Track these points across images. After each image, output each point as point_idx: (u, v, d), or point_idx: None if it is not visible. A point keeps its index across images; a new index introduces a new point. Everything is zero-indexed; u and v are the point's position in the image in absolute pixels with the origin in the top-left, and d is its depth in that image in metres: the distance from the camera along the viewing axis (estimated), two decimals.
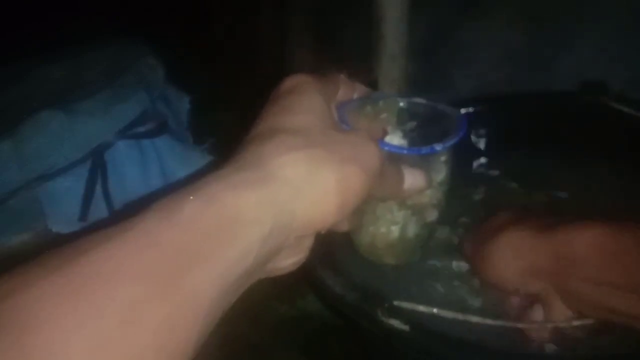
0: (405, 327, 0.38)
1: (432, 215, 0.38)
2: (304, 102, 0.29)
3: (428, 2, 0.69)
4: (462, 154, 0.36)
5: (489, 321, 0.40)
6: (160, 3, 0.96)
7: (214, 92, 0.87)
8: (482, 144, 0.58)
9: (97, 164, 0.64)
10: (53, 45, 0.78)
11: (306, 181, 0.26)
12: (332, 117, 0.31)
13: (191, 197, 0.23)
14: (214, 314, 0.23)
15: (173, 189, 0.24)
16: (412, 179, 0.33)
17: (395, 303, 0.39)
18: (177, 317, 0.21)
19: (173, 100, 0.77)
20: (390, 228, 0.37)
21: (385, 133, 0.35)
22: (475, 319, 0.40)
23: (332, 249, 0.44)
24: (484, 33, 0.69)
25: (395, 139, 0.36)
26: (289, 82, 0.31)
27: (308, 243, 0.29)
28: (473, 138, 0.58)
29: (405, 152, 0.33)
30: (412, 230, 0.38)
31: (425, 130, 0.36)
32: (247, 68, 0.92)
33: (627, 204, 0.50)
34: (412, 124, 0.37)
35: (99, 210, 0.64)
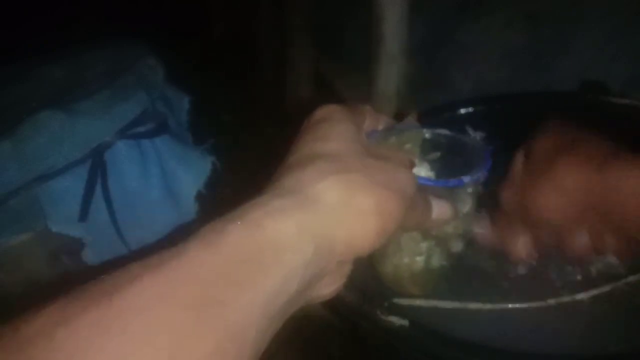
0: (405, 324, 0.38)
1: (457, 246, 0.38)
2: (338, 130, 0.30)
3: (428, 2, 0.69)
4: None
5: (488, 306, 0.40)
6: (161, 3, 0.96)
7: (214, 93, 0.87)
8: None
9: (97, 164, 0.64)
10: (53, 45, 0.78)
11: (345, 205, 0.26)
12: (364, 144, 0.31)
13: (238, 222, 0.23)
14: (260, 343, 0.23)
15: (169, 237, 0.24)
16: (439, 209, 0.33)
17: (395, 301, 0.39)
18: (226, 347, 0.21)
19: (173, 100, 0.77)
20: (415, 259, 0.37)
21: (412, 164, 0.35)
22: (474, 305, 0.41)
23: None
24: (484, 33, 0.69)
25: (422, 171, 0.36)
26: (321, 112, 0.31)
27: (347, 269, 0.29)
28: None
29: (432, 183, 0.34)
30: (436, 260, 0.38)
31: (447, 161, 0.36)
32: (247, 68, 0.92)
33: None
34: (435, 155, 0.37)
35: (98, 210, 0.64)
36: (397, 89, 0.70)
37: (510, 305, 0.42)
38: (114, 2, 0.96)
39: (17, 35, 0.84)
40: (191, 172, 0.69)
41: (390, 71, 0.69)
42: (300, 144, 0.30)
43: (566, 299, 0.43)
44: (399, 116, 0.38)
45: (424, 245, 0.37)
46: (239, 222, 0.24)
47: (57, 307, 0.20)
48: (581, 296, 0.42)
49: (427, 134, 0.37)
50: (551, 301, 0.42)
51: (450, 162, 0.36)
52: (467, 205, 0.36)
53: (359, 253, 0.28)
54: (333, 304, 0.43)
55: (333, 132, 0.30)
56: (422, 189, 0.32)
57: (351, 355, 0.56)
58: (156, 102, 0.71)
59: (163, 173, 0.68)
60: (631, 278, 0.43)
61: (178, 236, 0.23)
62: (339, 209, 0.26)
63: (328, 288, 0.29)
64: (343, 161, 0.28)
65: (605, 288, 0.43)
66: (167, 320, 0.20)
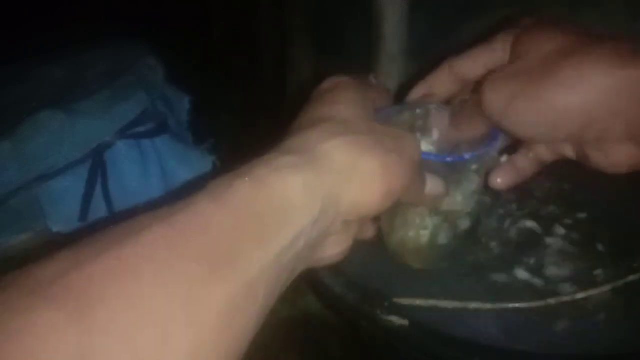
0: (405, 324, 0.38)
1: (465, 225, 0.38)
2: (346, 96, 0.30)
3: (428, 2, 0.69)
4: None
5: (488, 306, 0.40)
6: (161, 3, 0.96)
7: (214, 93, 0.87)
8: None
9: (97, 164, 0.64)
10: (53, 45, 0.78)
11: (352, 166, 0.26)
12: (372, 112, 0.31)
13: (246, 179, 0.24)
14: (269, 299, 0.23)
15: (176, 193, 0.24)
16: (432, 185, 0.33)
17: (395, 300, 0.39)
18: (238, 299, 0.21)
19: (173, 100, 0.77)
20: (420, 232, 0.37)
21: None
22: (474, 305, 0.41)
23: None
24: (484, 33, 0.69)
25: (423, 146, 0.36)
26: (329, 82, 0.32)
27: (353, 230, 0.30)
28: None
29: (433, 158, 0.33)
30: (442, 237, 0.38)
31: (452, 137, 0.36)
32: (247, 68, 0.92)
33: None
34: (440, 132, 0.37)
35: (99, 210, 0.64)
36: (397, 88, 0.70)
37: (510, 305, 0.42)
38: (114, 2, 0.96)
39: (17, 35, 0.84)
40: (191, 172, 0.69)
41: (390, 71, 0.69)
42: (309, 109, 0.30)
43: (566, 298, 0.43)
44: (408, 84, 0.37)
45: (430, 221, 0.37)
46: (246, 179, 0.24)
47: (70, 253, 0.20)
48: (581, 296, 0.42)
49: (434, 109, 0.37)
50: (551, 301, 0.42)
51: (456, 138, 0.36)
52: (473, 183, 0.36)
53: (364, 213, 0.28)
54: (333, 304, 0.43)
55: (341, 98, 0.30)
56: (422, 163, 0.32)
57: (351, 355, 0.56)
58: (156, 102, 0.71)
59: (163, 173, 0.68)
60: (631, 278, 0.43)
61: (185, 191, 0.23)
62: (345, 169, 0.26)
63: (334, 249, 0.29)
64: (351, 124, 0.28)
65: (606, 288, 0.43)
66: (180, 271, 0.20)
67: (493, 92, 0.32)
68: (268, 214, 0.23)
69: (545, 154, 0.37)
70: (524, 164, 0.37)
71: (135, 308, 0.19)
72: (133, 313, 0.19)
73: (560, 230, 0.50)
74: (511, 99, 0.31)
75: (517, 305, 0.42)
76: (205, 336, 0.20)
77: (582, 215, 0.51)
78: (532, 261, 0.46)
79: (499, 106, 0.31)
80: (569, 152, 0.34)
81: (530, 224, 0.51)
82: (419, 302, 0.41)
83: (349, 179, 0.26)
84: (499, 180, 0.37)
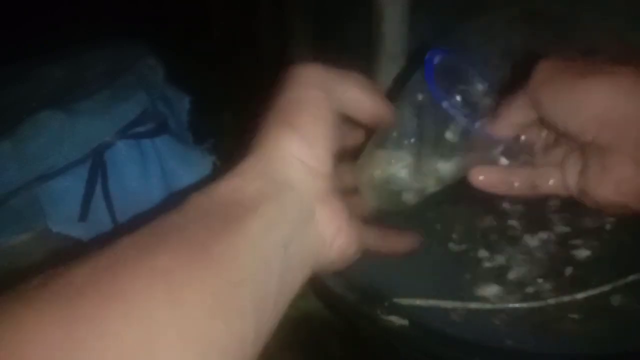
0: (405, 323, 0.38)
1: (432, 188, 0.37)
2: (311, 119, 0.30)
3: (428, 2, 0.69)
4: None
5: (488, 306, 0.40)
6: (161, 3, 0.96)
7: (214, 92, 0.87)
8: None
9: (97, 164, 0.64)
10: (53, 45, 0.78)
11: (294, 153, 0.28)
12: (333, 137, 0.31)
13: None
14: (257, 284, 0.24)
15: (176, 195, 0.26)
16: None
17: (395, 300, 0.39)
18: (220, 283, 0.22)
19: (173, 100, 0.77)
20: (388, 172, 0.37)
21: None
22: (474, 305, 0.41)
23: None
24: (484, 33, 0.69)
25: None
26: (299, 79, 0.31)
27: (335, 205, 0.30)
28: None
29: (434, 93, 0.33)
30: (406, 186, 0.37)
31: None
32: (246, 68, 0.92)
33: None
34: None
35: (99, 210, 0.64)
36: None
37: (510, 305, 0.42)
38: (114, 2, 0.96)
39: (17, 35, 0.84)
40: (191, 172, 0.69)
41: (390, 71, 0.69)
42: (272, 118, 0.31)
43: (566, 298, 0.43)
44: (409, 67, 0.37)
45: (398, 164, 0.37)
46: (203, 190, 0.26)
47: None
48: (581, 296, 0.42)
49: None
50: (551, 301, 0.42)
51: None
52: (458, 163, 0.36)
53: (318, 173, 0.29)
54: (333, 304, 0.43)
55: (305, 119, 0.30)
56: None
57: (351, 355, 0.56)
58: (156, 102, 0.70)
59: (163, 173, 0.68)
60: (631, 278, 0.43)
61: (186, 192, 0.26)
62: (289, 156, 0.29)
63: (333, 244, 0.29)
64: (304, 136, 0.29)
65: (606, 288, 0.43)
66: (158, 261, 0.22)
67: (544, 71, 0.34)
68: (227, 210, 0.25)
69: (543, 177, 0.36)
70: (515, 176, 0.37)
71: (117, 303, 0.20)
72: (116, 308, 0.19)
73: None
74: (561, 87, 0.32)
75: (517, 305, 0.42)
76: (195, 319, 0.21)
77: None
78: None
79: (547, 91, 0.33)
80: (572, 176, 0.35)
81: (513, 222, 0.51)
82: (419, 302, 0.41)
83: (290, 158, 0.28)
84: (481, 178, 0.37)
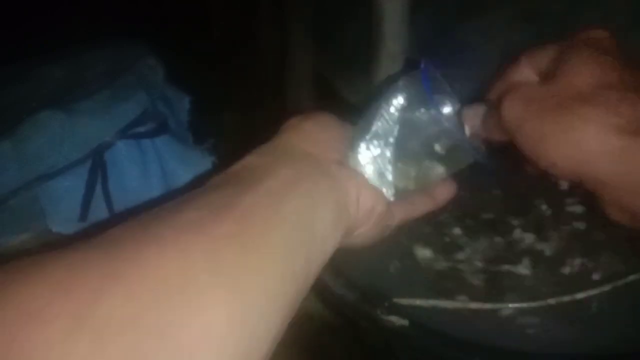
0: (405, 324, 0.38)
1: (410, 184, 0.37)
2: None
3: (428, 2, 0.69)
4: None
5: (488, 306, 0.40)
6: (161, 3, 0.96)
7: (214, 92, 0.87)
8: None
9: (97, 164, 0.64)
10: (53, 45, 0.78)
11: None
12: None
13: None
14: (278, 237, 0.25)
15: (175, 193, 0.27)
16: None
17: (395, 300, 0.39)
18: (246, 231, 0.24)
19: (173, 100, 0.77)
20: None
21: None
22: (474, 305, 0.41)
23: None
24: (484, 33, 0.69)
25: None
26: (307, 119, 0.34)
27: (358, 177, 0.32)
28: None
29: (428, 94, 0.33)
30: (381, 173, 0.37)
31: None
32: (246, 68, 0.92)
33: None
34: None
35: (99, 210, 0.64)
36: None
37: (510, 305, 0.42)
38: (114, 2, 0.96)
39: (17, 35, 0.84)
40: (191, 172, 0.69)
41: (390, 71, 0.69)
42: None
43: (566, 298, 0.43)
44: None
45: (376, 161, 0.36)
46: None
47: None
48: (581, 296, 0.42)
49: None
50: (551, 301, 0.42)
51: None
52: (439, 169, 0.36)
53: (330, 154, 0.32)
54: (333, 304, 0.43)
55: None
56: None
57: (351, 355, 0.56)
58: (156, 102, 0.70)
59: (163, 173, 0.68)
60: (631, 278, 0.43)
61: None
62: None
63: (351, 183, 0.31)
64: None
65: (605, 288, 0.43)
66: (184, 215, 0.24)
67: (512, 109, 0.32)
68: (250, 173, 0.27)
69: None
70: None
71: (153, 244, 0.22)
72: (152, 247, 0.21)
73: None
74: (530, 119, 0.31)
75: (517, 305, 0.42)
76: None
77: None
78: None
79: (516, 124, 0.32)
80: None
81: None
82: (419, 302, 0.41)
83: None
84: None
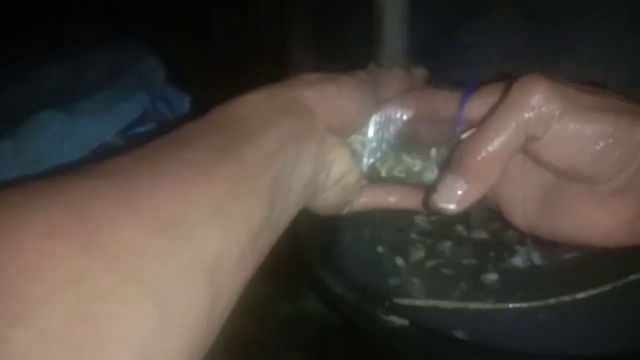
0: (405, 323, 0.38)
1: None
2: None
3: (428, 2, 0.69)
4: None
5: (488, 306, 0.40)
6: (161, 3, 0.96)
7: (214, 93, 0.87)
8: None
9: None
10: (53, 45, 0.78)
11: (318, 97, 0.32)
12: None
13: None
14: (265, 188, 0.26)
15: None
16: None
17: (395, 300, 0.40)
18: (241, 175, 0.25)
19: (173, 100, 0.77)
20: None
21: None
22: (474, 305, 0.41)
23: (332, 249, 0.44)
24: (484, 33, 0.69)
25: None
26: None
27: (344, 148, 0.33)
28: None
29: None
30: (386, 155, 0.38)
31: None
32: (247, 68, 0.92)
33: None
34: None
35: None
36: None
37: (510, 305, 0.42)
38: (114, 2, 0.95)
39: (17, 35, 0.84)
40: None
41: None
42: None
43: (566, 298, 0.43)
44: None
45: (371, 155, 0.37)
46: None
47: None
48: (581, 296, 0.42)
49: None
50: (551, 301, 0.42)
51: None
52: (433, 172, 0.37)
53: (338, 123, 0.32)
54: (333, 304, 0.43)
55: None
56: None
57: (351, 355, 0.56)
58: (156, 102, 0.70)
59: None
60: (631, 278, 0.43)
61: None
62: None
63: (334, 151, 0.32)
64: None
65: (605, 288, 0.43)
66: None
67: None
68: (244, 120, 0.29)
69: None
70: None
71: (159, 176, 0.23)
72: (158, 180, 0.23)
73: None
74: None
75: (517, 305, 0.42)
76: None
77: None
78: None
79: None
80: None
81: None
82: (419, 302, 0.41)
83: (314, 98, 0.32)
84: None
